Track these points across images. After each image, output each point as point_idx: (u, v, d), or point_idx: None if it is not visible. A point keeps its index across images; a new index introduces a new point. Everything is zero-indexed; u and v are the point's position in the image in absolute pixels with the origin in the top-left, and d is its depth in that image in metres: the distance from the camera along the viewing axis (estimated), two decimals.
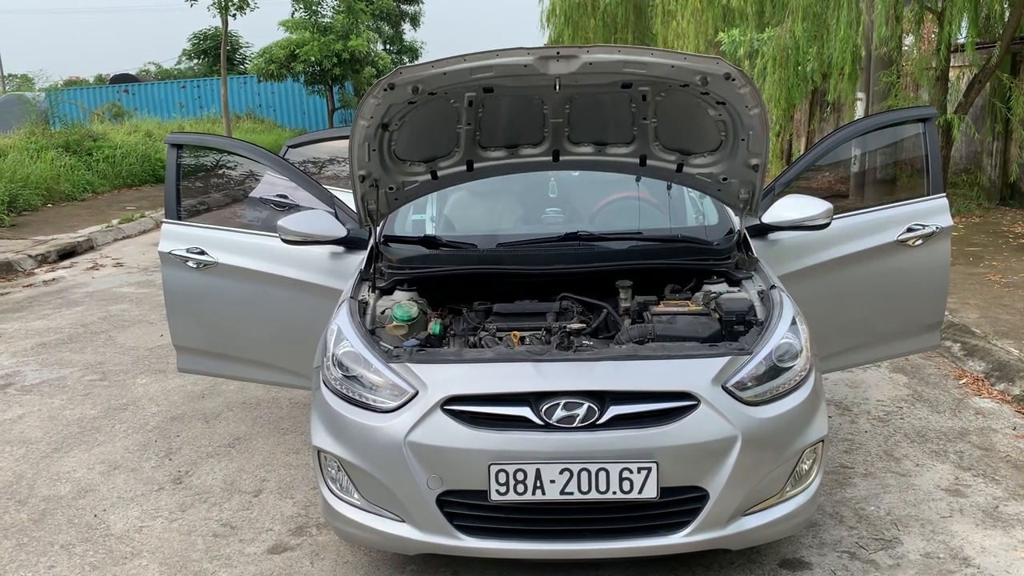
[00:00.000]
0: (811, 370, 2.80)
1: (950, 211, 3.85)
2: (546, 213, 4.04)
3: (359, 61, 22.75)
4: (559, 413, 2.55)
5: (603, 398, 2.58)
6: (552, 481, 2.52)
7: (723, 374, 2.64)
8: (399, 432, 2.60)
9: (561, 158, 3.41)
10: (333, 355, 2.85)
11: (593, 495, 2.52)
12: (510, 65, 2.78)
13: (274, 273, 3.80)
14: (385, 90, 2.86)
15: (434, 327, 3.10)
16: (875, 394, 4.64)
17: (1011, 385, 4.61)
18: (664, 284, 3.33)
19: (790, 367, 2.75)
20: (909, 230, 3.77)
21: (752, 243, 3.48)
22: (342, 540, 3.15)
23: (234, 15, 17.62)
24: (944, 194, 3.85)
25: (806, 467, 2.77)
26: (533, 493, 2.53)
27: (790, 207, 3.57)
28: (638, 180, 3.68)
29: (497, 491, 2.53)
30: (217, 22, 18.66)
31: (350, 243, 3.68)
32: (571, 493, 2.52)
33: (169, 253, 3.88)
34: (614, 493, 2.52)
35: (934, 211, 3.80)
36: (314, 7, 22.94)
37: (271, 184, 4.32)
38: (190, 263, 3.86)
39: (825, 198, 3.58)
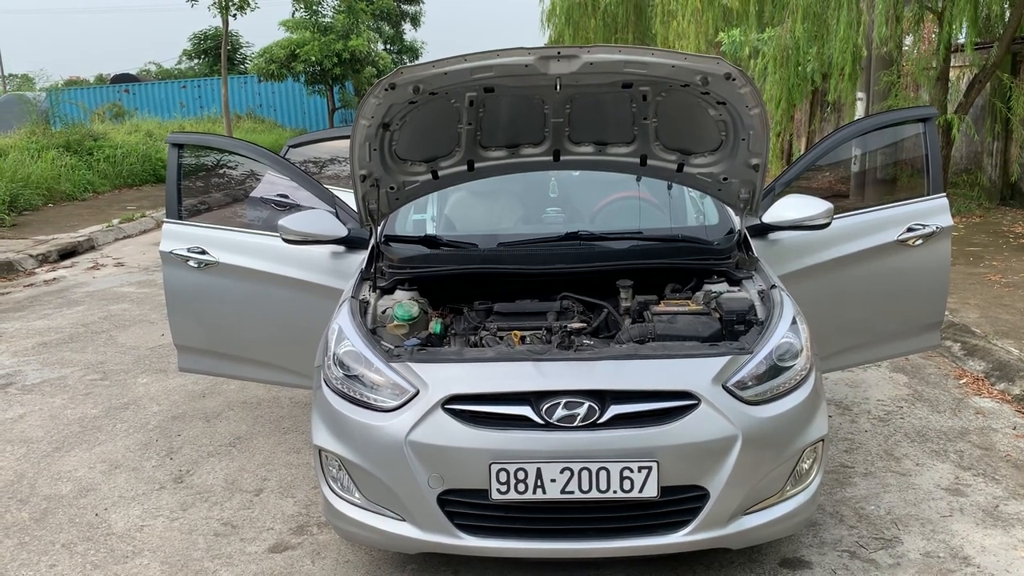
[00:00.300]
0: (811, 370, 2.81)
1: (950, 211, 3.85)
2: (547, 213, 4.04)
3: (359, 61, 22.75)
4: (560, 412, 2.56)
5: (604, 397, 2.59)
6: (553, 480, 2.52)
7: (723, 373, 2.65)
8: (400, 431, 2.60)
9: (562, 158, 3.42)
10: (334, 354, 2.86)
11: (594, 494, 2.53)
12: (511, 65, 2.78)
13: (275, 273, 3.81)
14: (386, 90, 2.86)
15: (435, 326, 3.11)
16: (875, 394, 4.64)
17: (1011, 385, 4.62)
18: (664, 284, 3.34)
19: (790, 366, 2.75)
20: (909, 230, 3.77)
21: (752, 243, 3.49)
22: (343, 539, 3.15)
23: (235, 15, 17.63)
24: (944, 194, 3.85)
25: (806, 466, 2.77)
26: (534, 492, 2.53)
27: (790, 207, 3.58)
28: (638, 180, 3.68)
29: (498, 490, 2.53)
30: (217, 22, 18.69)
31: (351, 243, 3.68)
32: (572, 492, 2.53)
33: (170, 252, 3.88)
34: (615, 492, 2.52)
35: (934, 211, 3.80)
36: (315, 7, 22.95)
37: (272, 184, 4.33)
38: (191, 262, 3.86)
39: (825, 198, 3.59)
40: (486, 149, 3.37)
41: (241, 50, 31.35)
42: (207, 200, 4.84)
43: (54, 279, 8.42)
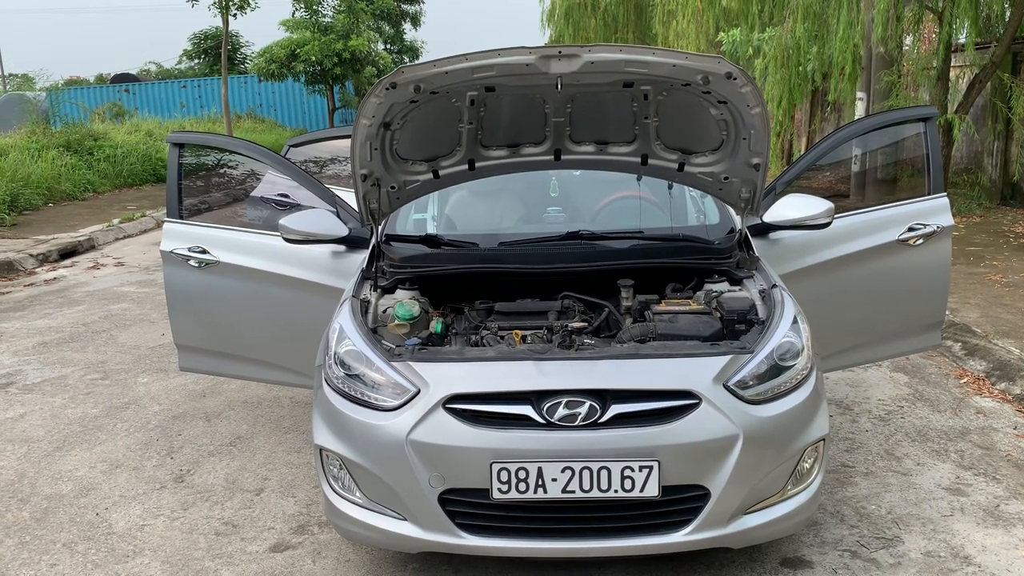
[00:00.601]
0: (812, 369, 2.81)
1: (951, 211, 3.85)
2: (547, 212, 4.04)
3: (360, 61, 22.75)
4: (561, 412, 2.56)
5: (605, 397, 2.59)
6: (554, 479, 2.52)
7: (724, 373, 2.65)
8: (401, 430, 2.60)
9: (563, 157, 3.42)
10: (335, 354, 2.86)
11: (595, 493, 2.53)
12: (512, 64, 2.78)
13: (276, 272, 3.81)
14: (387, 89, 2.86)
15: (436, 326, 3.11)
16: (876, 393, 4.64)
17: (1012, 384, 4.62)
18: (665, 283, 3.34)
19: (791, 366, 2.75)
20: (910, 229, 3.77)
21: (753, 242, 3.49)
22: (344, 538, 3.15)
23: (235, 15, 17.61)
24: (945, 193, 3.85)
25: (807, 466, 2.77)
26: (535, 491, 2.53)
27: (791, 206, 3.58)
28: (639, 179, 3.68)
29: (499, 489, 2.53)
30: (217, 22, 18.68)
31: (352, 242, 3.68)
32: (573, 491, 2.53)
33: (171, 252, 3.88)
34: (615, 492, 2.52)
35: (935, 210, 3.80)
36: (315, 7, 22.93)
37: (272, 183, 4.33)
38: (192, 262, 3.86)
39: (826, 197, 3.59)
40: (487, 148, 3.37)
41: (241, 50, 31.36)
42: (208, 199, 4.84)
43: (54, 279, 8.42)
